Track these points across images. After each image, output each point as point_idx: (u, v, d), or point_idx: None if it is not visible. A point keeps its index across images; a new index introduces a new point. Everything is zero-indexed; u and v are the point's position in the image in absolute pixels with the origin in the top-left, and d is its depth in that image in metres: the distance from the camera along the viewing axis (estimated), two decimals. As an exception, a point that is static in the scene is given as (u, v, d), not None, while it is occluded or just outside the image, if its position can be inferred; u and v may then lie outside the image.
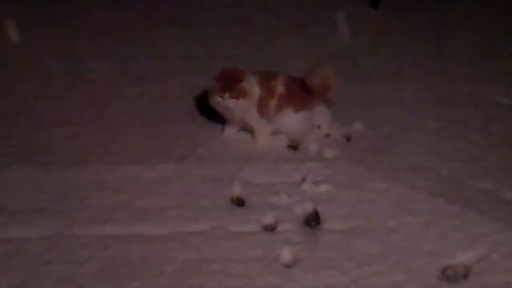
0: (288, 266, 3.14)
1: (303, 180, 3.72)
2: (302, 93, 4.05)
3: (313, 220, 3.42)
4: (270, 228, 3.38)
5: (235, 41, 5.63)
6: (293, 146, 4.09)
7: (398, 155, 4.06)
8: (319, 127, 4.19)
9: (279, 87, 4.00)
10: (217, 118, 4.13)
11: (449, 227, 3.40)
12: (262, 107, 3.99)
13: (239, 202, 3.56)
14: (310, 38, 5.79)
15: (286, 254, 3.18)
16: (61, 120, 4.28)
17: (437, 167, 3.96)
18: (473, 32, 6.11)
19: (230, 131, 4.15)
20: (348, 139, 4.23)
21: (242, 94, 3.86)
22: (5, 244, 3.19)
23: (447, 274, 3.11)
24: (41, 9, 6.16)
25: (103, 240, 3.23)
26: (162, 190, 3.62)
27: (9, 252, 3.14)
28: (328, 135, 4.21)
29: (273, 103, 4.01)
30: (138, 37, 5.66)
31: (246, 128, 4.11)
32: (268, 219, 3.41)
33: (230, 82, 3.86)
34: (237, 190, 3.61)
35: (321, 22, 6.18)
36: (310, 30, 5.97)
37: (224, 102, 3.87)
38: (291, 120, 4.06)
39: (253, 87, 3.94)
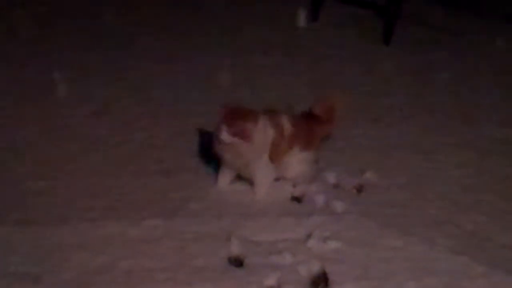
0: (293, 335, 3.16)
1: (309, 236, 3.74)
2: (307, 130, 4.13)
3: (320, 282, 3.44)
4: (273, 292, 3.40)
5: (231, 81, 5.69)
6: (298, 198, 4.13)
7: (415, 208, 4.10)
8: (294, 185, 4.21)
9: (287, 126, 4.05)
10: (210, 166, 4.16)
11: (475, 289, 3.42)
12: (274, 151, 4.02)
13: (238, 262, 3.57)
14: (317, 78, 5.85)
15: (291, 321, 3.21)
16: (36, 173, 4.31)
17: (460, 221, 4.00)
18: (494, 71, 6.20)
19: (224, 181, 4.18)
20: (359, 190, 4.27)
21: (243, 135, 3.85)
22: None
23: None
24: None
25: (85, 307, 3.25)
26: (150, 250, 3.63)
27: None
28: (336, 186, 4.25)
29: (284, 145, 4.05)
30: (122, 77, 5.72)
31: (244, 176, 4.14)
32: (270, 281, 3.42)
33: (232, 118, 3.85)
34: (235, 249, 3.63)
35: (328, 60, 6.26)
36: (317, 69, 6.03)
37: (220, 135, 3.85)
38: (298, 160, 4.13)
39: (266, 130, 3.95)
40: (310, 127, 4.14)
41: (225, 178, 4.17)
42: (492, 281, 3.47)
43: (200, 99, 5.34)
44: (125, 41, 6.45)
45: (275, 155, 4.03)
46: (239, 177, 4.18)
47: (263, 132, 3.93)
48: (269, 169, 4.06)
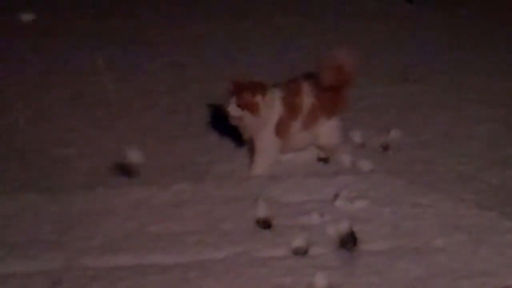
0: (323, 294, 3.17)
1: (337, 196, 3.73)
2: (331, 96, 4.07)
3: (349, 242, 3.43)
4: (301, 252, 3.39)
5: (256, 43, 5.68)
6: (324, 159, 4.12)
7: (442, 165, 4.09)
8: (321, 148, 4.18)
9: (308, 100, 4.02)
10: (235, 131, 4.15)
11: (504, 244, 3.40)
12: (281, 128, 4.00)
13: (265, 224, 3.57)
14: (341, 35, 5.82)
15: (320, 281, 3.18)
16: (62, 140, 4.33)
17: (487, 176, 3.98)
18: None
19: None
20: (386, 148, 4.26)
21: (249, 107, 3.85)
22: (6, 280, 3.21)
23: (502, 297, 3.12)
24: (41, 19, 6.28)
25: (115, 272, 3.25)
26: (178, 214, 3.64)
27: (10, 290, 3.19)
28: (362, 145, 4.24)
29: (295, 124, 4.03)
30: (146, 43, 5.72)
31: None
32: (299, 242, 3.41)
33: (241, 90, 3.86)
34: (262, 211, 3.62)
35: (355, 19, 6.23)
36: (343, 26, 6.00)
37: (228, 108, 3.87)
38: (326, 128, 4.10)
39: (272, 104, 3.94)
40: (334, 94, 4.09)
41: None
42: (522, 235, 3.46)
43: (222, 63, 5.33)
44: (147, 8, 6.43)
45: (283, 131, 4.00)
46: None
47: (270, 106, 3.92)
48: (272, 145, 4.02)
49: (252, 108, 3.85)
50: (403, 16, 6.34)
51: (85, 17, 6.33)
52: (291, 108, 3.99)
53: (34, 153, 4.21)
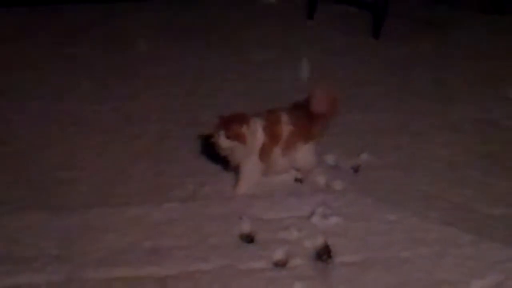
0: (301, 302, 3.18)
1: (312, 213, 3.75)
2: (308, 123, 4.10)
3: (324, 254, 3.46)
4: (281, 264, 3.41)
5: (236, 76, 5.70)
6: (301, 180, 4.14)
7: (408, 185, 4.10)
8: (298, 170, 4.19)
9: (286, 127, 4.03)
10: (222, 157, 4.16)
11: (463, 256, 3.43)
12: (264, 154, 4.00)
13: (249, 239, 3.59)
14: (312, 69, 5.85)
15: (298, 290, 3.22)
16: (65, 164, 4.32)
17: (448, 195, 4.00)
18: (474, 58, 6.23)
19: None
20: (356, 170, 4.28)
21: (238, 137, 3.86)
22: (11, 292, 3.23)
23: (463, 304, 3.15)
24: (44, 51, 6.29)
25: (113, 283, 3.26)
26: (170, 230, 3.65)
27: (18, 300, 3.18)
28: (335, 167, 4.27)
29: (277, 151, 4.04)
30: (139, 75, 5.74)
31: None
32: (279, 255, 3.44)
33: (228, 123, 3.86)
34: (246, 227, 3.65)
35: (323, 54, 6.27)
36: (314, 61, 6.04)
37: (218, 141, 3.88)
38: (302, 152, 4.11)
39: (256, 133, 3.95)
40: (310, 121, 4.11)
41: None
42: (479, 248, 3.48)
43: (208, 93, 5.35)
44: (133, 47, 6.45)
45: (265, 156, 4.01)
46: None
47: (254, 136, 3.93)
48: (255, 168, 4.02)
49: (240, 138, 3.86)
50: (368, 52, 6.39)
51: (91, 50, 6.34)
52: (272, 136, 4.00)
53: (40, 175, 4.20)
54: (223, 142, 3.86)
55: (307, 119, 4.09)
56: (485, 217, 3.79)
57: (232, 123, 3.86)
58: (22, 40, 6.57)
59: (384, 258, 3.43)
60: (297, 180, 4.15)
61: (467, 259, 3.41)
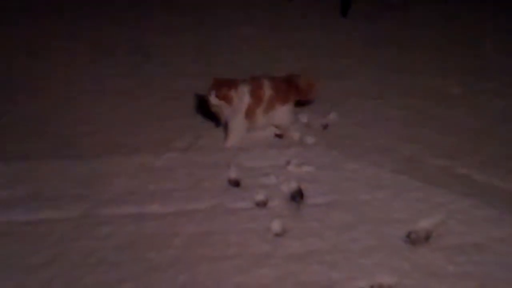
0: (278, 235, 3.17)
1: (288, 163, 3.74)
2: (286, 89, 4.07)
3: (298, 196, 3.45)
4: (262, 204, 3.40)
5: (229, 48, 5.65)
6: (279, 135, 4.11)
7: (368, 140, 4.08)
8: (277, 127, 4.16)
9: (267, 92, 4.00)
10: (214, 115, 4.13)
11: (412, 199, 3.44)
12: (249, 113, 3.98)
13: (235, 183, 3.57)
14: (292, 43, 5.82)
15: (276, 226, 3.21)
16: (83, 120, 4.27)
17: (401, 149, 3.99)
18: (429, 35, 6.18)
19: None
20: (325, 127, 4.24)
21: (226, 98, 3.85)
22: (39, 224, 3.21)
23: (411, 238, 3.15)
24: (58, 25, 6.18)
25: (122, 219, 3.25)
26: (170, 175, 3.63)
27: (42, 232, 3.16)
28: (307, 124, 4.24)
29: (259, 111, 4.00)
30: (148, 46, 5.68)
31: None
32: (260, 197, 3.43)
33: (220, 85, 3.86)
34: (233, 173, 3.63)
35: (301, 30, 6.22)
36: (293, 36, 6.00)
37: (210, 98, 3.86)
38: (280, 112, 4.07)
39: (243, 96, 3.93)
40: (288, 88, 4.09)
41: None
42: (425, 192, 3.49)
43: (204, 63, 5.30)
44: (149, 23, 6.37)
45: (250, 115, 3.98)
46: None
47: (240, 98, 3.91)
48: (242, 125, 3.99)
49: (227, 100, 3.85)
50: (338, 28, 6.34)
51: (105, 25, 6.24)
52: (256, 98, 3.97)
53: (63, 129, 4.15)
54: (213, 100, 3.85)
55: (285, 85, 4.07)
56: (431, 167, 3.79)
57: (223, 86, 3.85)
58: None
59: (347, 200, 3.43)
60: (276, 135, 4.12)
61: (415, 202, 3.41)
